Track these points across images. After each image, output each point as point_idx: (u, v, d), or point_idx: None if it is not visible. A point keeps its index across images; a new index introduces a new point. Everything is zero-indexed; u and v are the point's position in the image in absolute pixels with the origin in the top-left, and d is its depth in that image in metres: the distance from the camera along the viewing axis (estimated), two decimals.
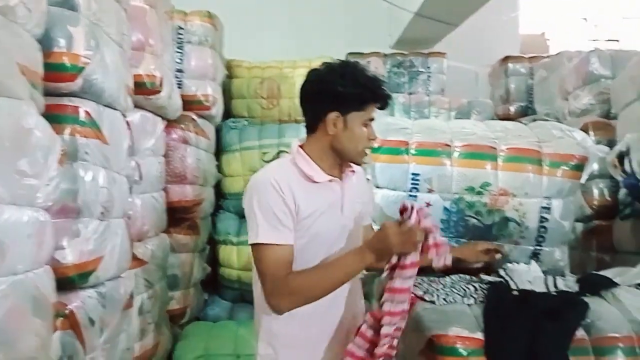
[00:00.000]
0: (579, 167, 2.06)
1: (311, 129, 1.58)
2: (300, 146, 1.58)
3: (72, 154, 1.79)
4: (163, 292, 2.85)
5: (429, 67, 4.92)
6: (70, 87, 1.82)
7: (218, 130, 3.94)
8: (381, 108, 1.59)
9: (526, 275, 1.85)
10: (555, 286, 1.81)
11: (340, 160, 1.59)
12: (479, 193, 2.05)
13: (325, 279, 1.47)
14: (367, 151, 1.62)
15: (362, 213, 1.69)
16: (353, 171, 1.64)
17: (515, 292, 1.74)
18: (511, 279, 1.83)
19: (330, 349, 1.59)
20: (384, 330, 1.46)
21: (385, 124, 2.28)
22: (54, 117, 1.74)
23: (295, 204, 1.47)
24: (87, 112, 1.85)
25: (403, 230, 1.42)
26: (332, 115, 1.51)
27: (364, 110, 1.53)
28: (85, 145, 1.84)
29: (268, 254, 1.44)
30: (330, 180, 1.56)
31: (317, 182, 1.53)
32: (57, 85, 1.79)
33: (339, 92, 1.49)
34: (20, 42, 1.48)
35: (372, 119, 1.57)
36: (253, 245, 1.46)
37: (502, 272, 1.88)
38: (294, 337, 1.55)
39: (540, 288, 1.79)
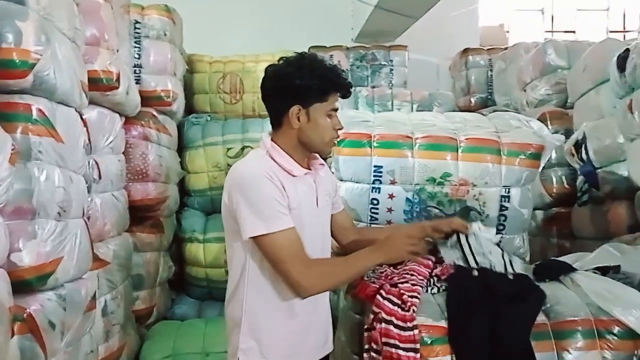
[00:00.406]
0: (536, 156, 2.10)
1: (276, 124, 1.60)
2: (272, 140, 1.59)
3: (25, 153, 1.73)
4: (127, 292, 2.80)
5: (391, 60, 4.96)
6: (21, 84, 1.75)
7: (180, 127, 3.88)
8: (343, 97, 1.60)
9: (487, 245, 1.85)
10: (512, 265, 1.84)
11: (309, 153, 1.62)
12: (440, 183, 2.08)
13: (347, 270, 1.58)
14: (335, 141, 1.64)
15: (331, 204, 1.74)
16: (322, 164, 1.68)
17: (475, 272, 1.75)
18: (471, 251, 1.83)
19: (312, 336, 1.64)
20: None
21: (347, 117, 2.28)
22: (4, 115, 1.69)
23: (286, 195, 1.50)
24: (39, 110, 1.79)
25: (410, 237, 1.62)
26: (295, 109, 1.53)
27: (326, 101, 1.56)
28: (39, 144, 1.77)
29: (284, 239, 1.46)
30: (305, 174, 1.59)
31: (295, 176, 1.56)
32: (7, 83, 1.72)
33: (298, 86, 1.51)
34: None
35: (335, 109, 1.59)
36: (260, 237, 1.45)
37: (462, 240, 1.85)
38: (279, 328, 1.57)
39: (498, 263, 1.82)
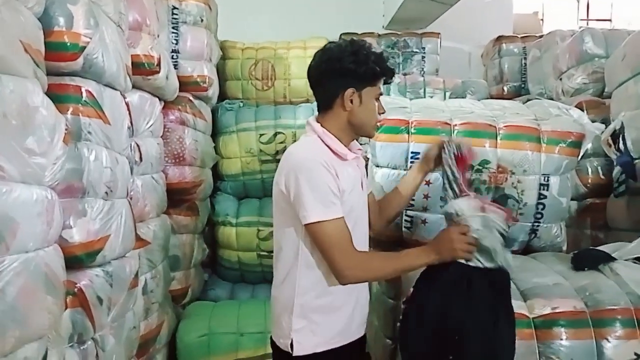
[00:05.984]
0: (576, 144, 2.09)
1: (327, 107, 1.64)
2: (320, 124, 1.64)
3: (76, 133, 1.79)
4: (165, 272, 2.87)
5: (423, 48, 4.93)
6: (72, 67, 1.81)
7: (214, 112, 3.92)
8: (386, 82, 1.68)
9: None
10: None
11: (355, 136, 1.67)
12: (478, 171, 2.07)
13: (393, 266, 1.61)
14: (379, 124, 1.74)
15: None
16: (360, 149, 1.72)
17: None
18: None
19: (358, 313, 1.68)
20: None
21: (384, 103, 2.28)
22: (56, 96, 1.71)
23: (339, 181, 1.54)
24: (89, 92, 1.84)
25: (462, 234, 1.53)
26: (349, 92, 1.59)
27: (375, 85, 1.62)
28: (88, 125, 1.83)
29: (332, 228, 1.50)
30: (353, 158, 1.64)
31: (345, 160, 1.61)
32: (58, 65, 1.77)
33: (353, 70, 1.57)
34: (22, 20, 1.46)
35: (381, 94, 1.66)
36: (312, 224, 1.49)
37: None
38: (329, 306, 1.61)
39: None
